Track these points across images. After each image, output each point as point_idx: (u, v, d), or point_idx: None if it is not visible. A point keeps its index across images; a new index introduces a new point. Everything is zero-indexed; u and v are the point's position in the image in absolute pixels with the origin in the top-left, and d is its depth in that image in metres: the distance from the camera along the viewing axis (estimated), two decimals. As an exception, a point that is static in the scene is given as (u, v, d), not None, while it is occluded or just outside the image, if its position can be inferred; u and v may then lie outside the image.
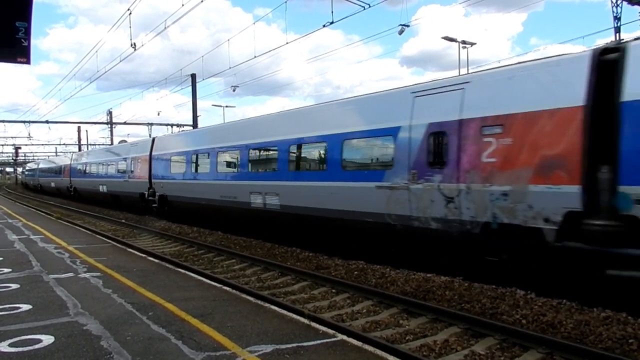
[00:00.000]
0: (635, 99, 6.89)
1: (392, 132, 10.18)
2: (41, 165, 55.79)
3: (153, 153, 22.90)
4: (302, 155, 13.22)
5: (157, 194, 21.99)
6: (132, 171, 25.30)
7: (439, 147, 9.22)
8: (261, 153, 15.29)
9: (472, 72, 9.51)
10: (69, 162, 39.79)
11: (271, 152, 14.56)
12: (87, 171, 33.94)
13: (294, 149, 13.25)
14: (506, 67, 9.02)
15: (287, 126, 13.90)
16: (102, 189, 30.02)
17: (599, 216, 7.09)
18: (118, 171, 27.53)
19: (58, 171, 43.68)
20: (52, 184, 45.75)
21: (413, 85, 10.49)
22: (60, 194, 43.01)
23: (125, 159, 26.53)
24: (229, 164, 16.77)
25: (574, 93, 7.45)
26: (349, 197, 11.16)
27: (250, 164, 15.37)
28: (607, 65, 7.33)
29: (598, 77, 7.33)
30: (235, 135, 16.46)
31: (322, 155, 12.41)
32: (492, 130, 8.34)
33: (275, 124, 14.87)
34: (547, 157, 7.66)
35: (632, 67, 7.00)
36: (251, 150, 15.28)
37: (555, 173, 7.55)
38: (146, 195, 22.74)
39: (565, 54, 8.24)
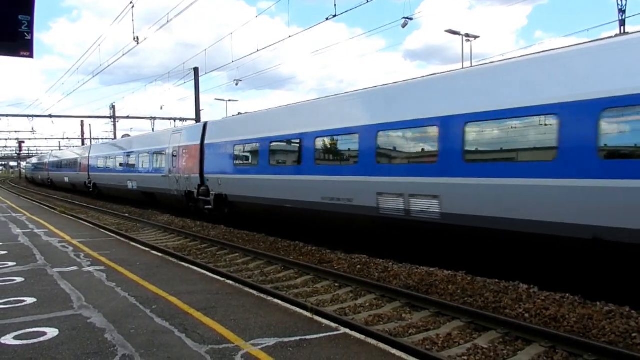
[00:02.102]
0: (207, 142, 18.34)
1: (164, 150, 21.95)
2: (33, 162, 72.78)
3: (90, 155, 35.04)
4: (142, 160, 24.86)
5: (93, 182, 34.28)
6: (80, 167, 37.15)
7: (176, 157, 20.62)
8: (129, 157, 27.10)
9: (185, 125, 21.93)
10: (47, 160, 54.11)
11: (132, 157, 26.60)
12: (58, 166, 47.20)
13: (141, 156, 25.07)
14: (191, 125, 22.34)
15: (139, 143, 26.85)
16: (66, 179, 42.81)
17: (203, 185, 18.27)
18: (73, 167, 39.62)
19: (42, 166, 58.02)
20: (39, 177, 60.72)
21: (173, 128, 22.47)
22: (44, 184, 56.85)
23: (77, 158, 38.94)
24: (120, 164, 28.69)
25: (199, 137, 18.83)
26: (157, 182, 22.61)
27: (127, 164, 27.28)
28: (204, 128, 18.89)
29: (203, 133, 18.74)
30: (123, 145, 29.61)
31: (147, 160, 24.07)
32: (185, 151, 19.83)
33: (135, 142, 27.94)
34: (194, 163, 18.88)
35: (208, 131, 18.62)
36: (127, 156, 27.49)
37: (193, 169, 18.94)
38: (87, 183, 35.28)
39: (197, 123, 21.27)
